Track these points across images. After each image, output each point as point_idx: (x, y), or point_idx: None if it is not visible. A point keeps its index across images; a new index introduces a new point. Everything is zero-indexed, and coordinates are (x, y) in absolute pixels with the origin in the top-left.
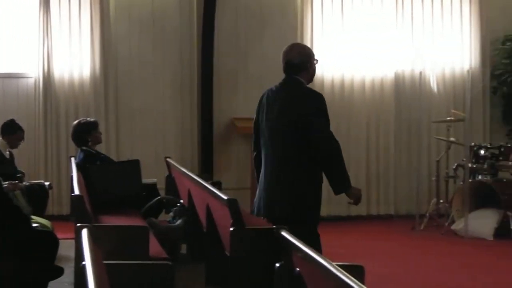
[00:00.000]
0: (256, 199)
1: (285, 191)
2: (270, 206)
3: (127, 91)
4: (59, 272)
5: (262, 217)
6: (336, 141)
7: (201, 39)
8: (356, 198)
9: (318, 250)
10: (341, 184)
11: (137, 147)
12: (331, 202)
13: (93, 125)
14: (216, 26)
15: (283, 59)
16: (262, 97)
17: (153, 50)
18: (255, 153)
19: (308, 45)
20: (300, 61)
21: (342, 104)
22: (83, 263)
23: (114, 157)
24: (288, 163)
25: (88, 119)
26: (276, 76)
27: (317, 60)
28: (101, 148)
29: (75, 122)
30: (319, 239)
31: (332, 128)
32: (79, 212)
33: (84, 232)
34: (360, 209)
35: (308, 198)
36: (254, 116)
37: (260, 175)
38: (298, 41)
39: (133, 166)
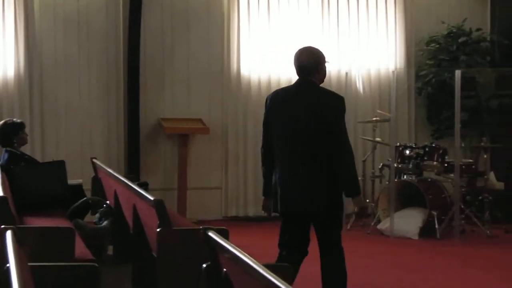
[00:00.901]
0: (280, 194)
1: (311, 189)
2: (304, 202)
3: (52, 90)
4: None
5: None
6: (350, 146)
7: (127, 39)
8: (359, 206)
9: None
10: (351, 188)
11: (62, 148)
12: (258, 203)
13: (20, 126)
14: (142, 25)
15: (294, 63)
16: (270, 99)
17: (78, 50)
18: (263, 150)
19: (235, 45)
20: (311, 63)
21: None
22: (7, 265)
23: (39, 158)
24: (316, 161)
25: (14, 119)
26: (202, 76)
27: (327, 62)
28: (25, 149)
29: (1, 122)
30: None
31: (260, 127)
32: (3, 214)
33: (8, 234)
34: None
35: (334, 193)
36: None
37: (279, 173)
38: (225, 41)
39: (59, 167)
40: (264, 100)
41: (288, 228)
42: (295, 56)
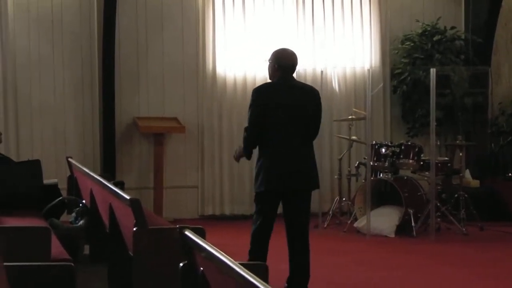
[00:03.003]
0: (273, 173)
1: (309, 167)
2: (303, 178)
3: (26, 90)
4: None
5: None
6: None
7: (101, 38)
8: None
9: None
10: None
11: (37, 147)
12: (234, 201)
13: None
14: (116, 24)
15: (286, 61)
16: (261, 92)
17: (52, 49)
18: (254, 135)
19: (210, 44)
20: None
21: (244, 103)
22: None
23: (14, 157)
24: (307, 143)
25: None
26: (177, 75)
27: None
28: (0, 148)
29: None
30: None
31: (235, 126)
32: None
33: None
34: None
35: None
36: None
37: (275, 154)
38: (200, 39)
39: (34, 166)
40: (240, 98)
41: (271, 202)
42: (285, 55)
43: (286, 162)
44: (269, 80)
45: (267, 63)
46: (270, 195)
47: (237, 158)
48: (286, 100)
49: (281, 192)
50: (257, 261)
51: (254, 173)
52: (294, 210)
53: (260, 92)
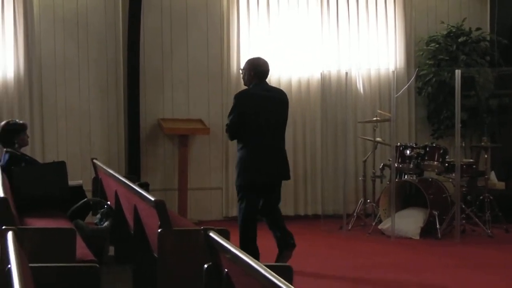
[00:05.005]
0: (253, 170)
1: (286, 164)
2: (279, 173)
3: (51, 91)
4: None
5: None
6: None
7: (126, 39)
8: None
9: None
10: None
11: (62, 149)
12: None
13: (22, 127)
14: (141, 26)
15: (259, 68)
16: (244, 97)
17: (78, 50)
18: (233, 136)
19: (234, 46)
20: None
21: None
22: (9, 266)
23: (39, 159)
24: (282, 142)
25: (17, 120)
26: (202, 76)
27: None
28: (25, 149)
29: (3, 122)
30: None
31: None
32: (4, 215)
33: (10, 235)
34: (287, 209)
35: None
36: (236, 110)
37: (254, 153)
38: (224, 41)
39: (59, 168)
40: None
41: (256, 195)
42: (260, 63)
43: (267, 164)
44: (244, 87)
45: (243, 72)
46: (254, 187)
47: None
48: (265, 104)
49: (263, 184)
50: (249, 241)
51: (237, 167)
52: (272, 197)
53: (242, 97)
